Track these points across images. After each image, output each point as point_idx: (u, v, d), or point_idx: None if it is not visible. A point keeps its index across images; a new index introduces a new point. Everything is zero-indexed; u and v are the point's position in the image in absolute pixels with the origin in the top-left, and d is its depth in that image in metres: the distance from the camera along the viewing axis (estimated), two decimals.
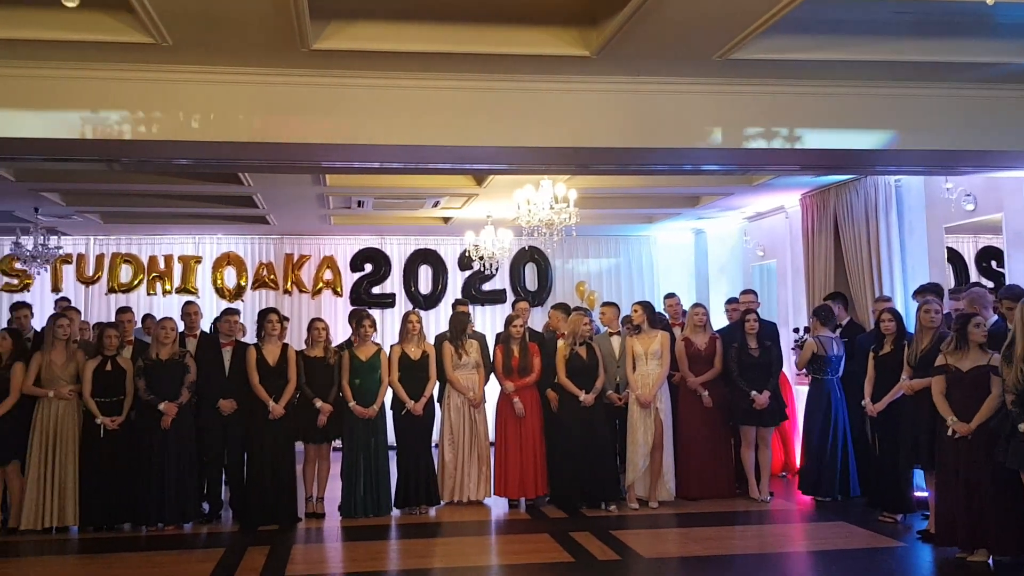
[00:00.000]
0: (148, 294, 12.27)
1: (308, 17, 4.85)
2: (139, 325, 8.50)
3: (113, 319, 8.21)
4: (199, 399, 7.36)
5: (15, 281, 12.00)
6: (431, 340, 8.25)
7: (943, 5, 5.13)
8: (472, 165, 7.18)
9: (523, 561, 6.13)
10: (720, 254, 12.43)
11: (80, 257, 12.26)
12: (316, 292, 12.59)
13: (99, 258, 12.32)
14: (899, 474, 6.96)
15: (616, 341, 8.19)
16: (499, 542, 6.91)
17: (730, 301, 9.04)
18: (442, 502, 7.84)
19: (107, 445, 7.06)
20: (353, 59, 5.54)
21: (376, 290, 12.73)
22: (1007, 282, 7.32)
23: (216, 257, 12.49)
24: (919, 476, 7.00)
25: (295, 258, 12.58)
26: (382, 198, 10.19)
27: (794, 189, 9.71)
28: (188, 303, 8.10)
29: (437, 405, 8.05)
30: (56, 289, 12.08)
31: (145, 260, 12.37)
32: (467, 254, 11.38)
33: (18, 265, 11.40)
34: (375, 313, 9.56)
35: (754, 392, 7.76)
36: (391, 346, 7.95)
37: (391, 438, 7.82)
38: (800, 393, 8.83)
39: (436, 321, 12.13)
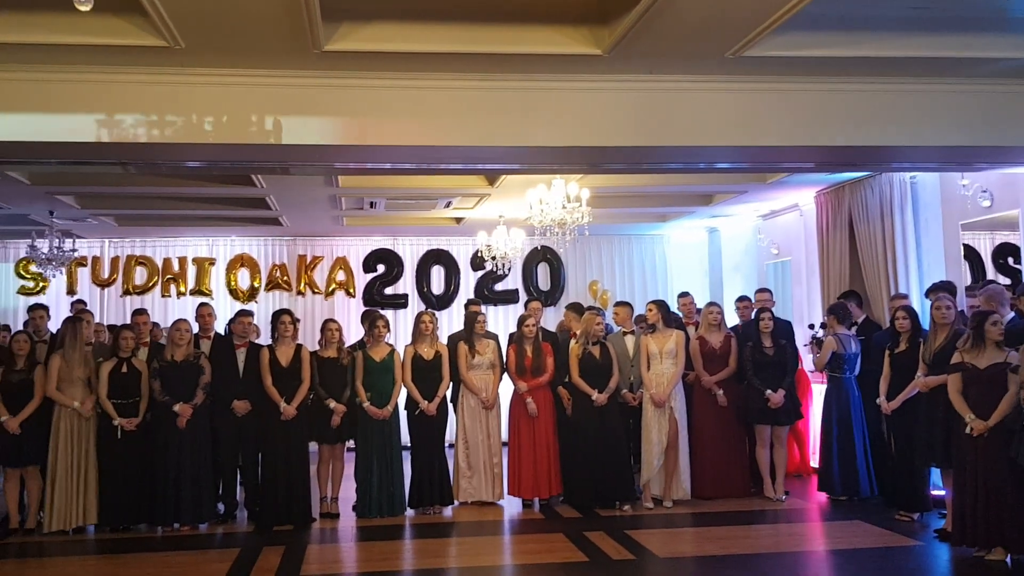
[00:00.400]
0: (163, 296, 12.34)
1: (320, 19, 4.86)
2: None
3: (128, 321, 8.25)
4: (214, 400, 7.38)
5: (31, 284, 12.09)
6: (444, 340, 8.26)
7: (957, 0, 5.10)
8: (484, 165, 7.18)
9: (537, 561, 6.12)
10: (734, 252, 12.39)
11: (95, 260, 12.35)
12: (329, 293, 12.63)
13: (114, 260, 12.40)
14: (915, 472, 6.92)
15: (630, 340, 8.16)
16: (513, 542, 6.90)
17: (741, 299, 9.00)
18: (456, 502, 7.85)
19: (124, 446, 7.10)
20: (365, 60, 5.55)
21: (389, 291, 12.76)
22: None
23: (230, 259, 12.55)
24: (936, 475, 6.96)
25: (308, 259, 12.63)
26: (394, 199, 10.20)
27: (808, 186, 9.66)
28: (202, 305, 8.13)
29: (451, 405, 8.05)
30: (71, 292, 12.16)
31: (159, 262, 12.44)
32: (479, 254, 11.38)
33: (34, 268, 11.50)
34: (388, 314, 9.56)
35: (769, 391, 7.73)
36: (404, 347, 7.95)
37: (405, 438, 7.83)
38: (818, 392, 8.76)
39: (449, 321, 12.14)
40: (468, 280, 12.91)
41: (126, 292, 12.36)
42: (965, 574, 5.72)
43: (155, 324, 9.33)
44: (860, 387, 7.80)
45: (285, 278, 12.57)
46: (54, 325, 8.37)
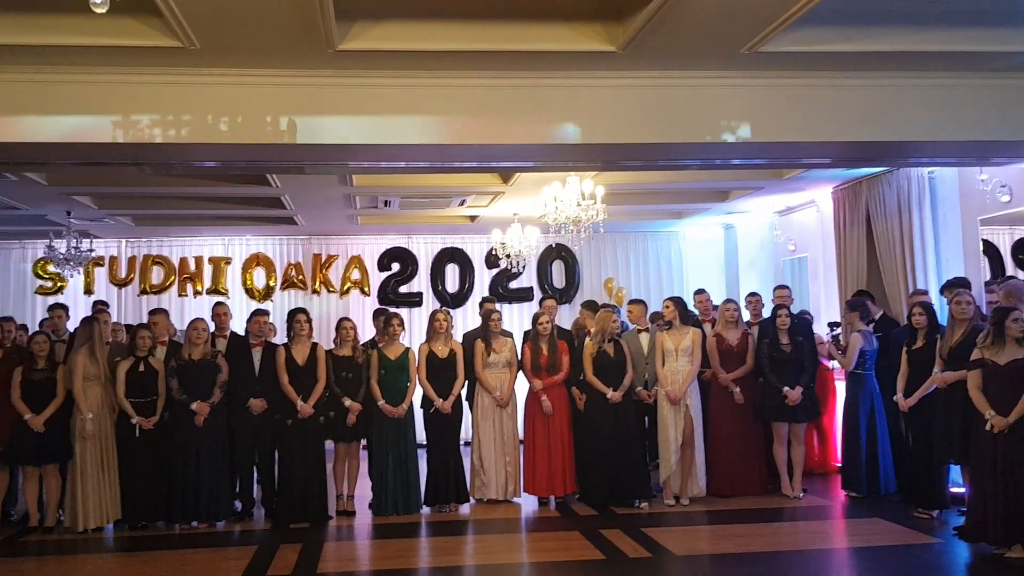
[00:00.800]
0: (179, 295, 12.41)
1: (333, 18, 4.87)
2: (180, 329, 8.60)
3: (145, 320, 8.30)
4: (230, 399, 7.41)
5: (49, 284, 12.18)
6: (458, 339, 8.27)
7: None
8: (498, 163, 7.17)
9: (554, 559, 6.12)
10: (750, 249, 12.34)
11: (112, 259, 12.43)
12: (344, 292, 12.66)
13: (131, 260, 12.48)
14: (934, 469, 6.88)
15: (644, 338, 8.15)
16: (529, 540, 6.89)
17: (751, 295, 8.95)
18: (471, 500, 7.85)
19: (141, 445, 7.15)
20: (379, 59, 5.55)
21: (403, 289, 12.78)
22: None
23: (245, 258, 12.61)
24: (956, 471, 6.91)
25: (323, 258, 12.66)
26: (408, 197, 10.21)
27: (825, 182, 9.61)
28: (218, 304, 8.17)
29: (466, 403, 8.05)
30: (88, 291, 12.25)
31: (176, 262, 12.51)
32: (494, 252, 11.38)
33: (52, 268, 11.58)
34: (402, 312, 9.57)
35: (786, 388, 7.69)
36: (419, 345, 7.96)
37: (420, 436, 7.85)
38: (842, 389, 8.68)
39: (463, 320, 12.15)
40: (483, 278, 12.92)
41: (143, 292, 12.43)
42: (985, 572, 5.68)
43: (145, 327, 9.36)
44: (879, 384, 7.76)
45: (300, 277, 12.61)
46: (72, 324, 8.42)
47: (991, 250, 8.16)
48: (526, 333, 8.28)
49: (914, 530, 6.61)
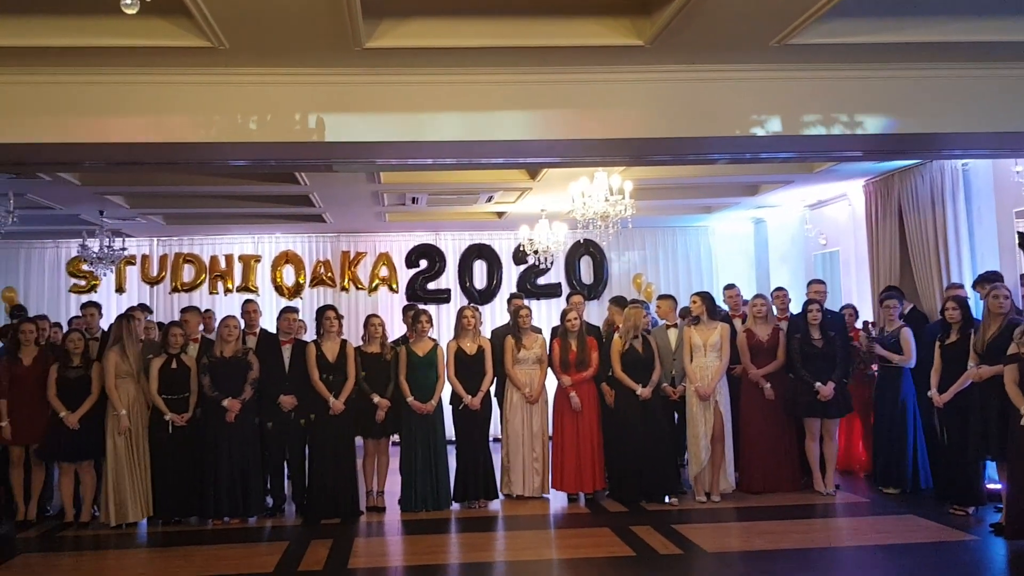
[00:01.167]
0: (210, 293, 12.52)
1: (361, 16, 4.88)
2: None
3: (176, 319, 8.38)
4: (260, 395, 7.47)
5: (83, 282, 12.34)
6: (487, 335, 8.27)
7: None
8: (526, 159, 7.16)
9: (583, 555, 6.11)
10: (781, 243, 12.23)
11: (144, 258, 12.57)
12: (372, 289, 12.72)
13: (162, 259, 12.61)
14: (969, 465, 6.79)
15: (673, 334, 8.10)
16: (559, 536, 6.88)
17: (778, 290, 8.86)
18: (500, 496, 7.86)
19: (174, 441, 7.22)
20: (406, 56, 5.55)
21: (431, 286, 12.81)
22: None
23: (275, 256, 12.69)
24: (992, 468, 6.81)
25: (351, 255, 12.73)
26: (436, 194, 10.23)
27: (857, 176, 9.50)
28: (248, 301, 8.23)
29: (494, 400, 8.06)
30: (120, 289, 12.41)
31: (207, 260, 12.64)
32: (521, 248, 11.37)
33: (85, 267, 11.73)
34: (430, 309, 9.59)
35: (818, 383, 7.61)
36: (447, 342, 7.97)
37: (450, 433, 7.87)
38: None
39: (491, 316, 12.15)
40: (510, 274, 12.91)
41: (174, 290, 12.56)
42: (1022, 569, 5.59)
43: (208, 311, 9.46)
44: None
45: (329, 274, 12.69)
46: (104, 323, 8.53)
47: None
48: (554, 329, 8.27)
49: (949, 527, 6.53)
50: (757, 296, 8.35)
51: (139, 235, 12.30)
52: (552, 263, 11.80)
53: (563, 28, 5.34)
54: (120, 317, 7.61)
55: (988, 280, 7.00)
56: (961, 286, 7.81)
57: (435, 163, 6.89)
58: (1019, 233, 7.92)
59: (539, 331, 8.26)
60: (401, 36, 5.31)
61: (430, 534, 6.90)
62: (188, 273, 12.64)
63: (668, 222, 12.75)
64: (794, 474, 7.97)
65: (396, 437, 7.85)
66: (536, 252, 10.73)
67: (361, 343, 7.82)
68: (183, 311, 8.18)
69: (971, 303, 7.30)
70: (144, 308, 9.34)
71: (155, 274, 12.58)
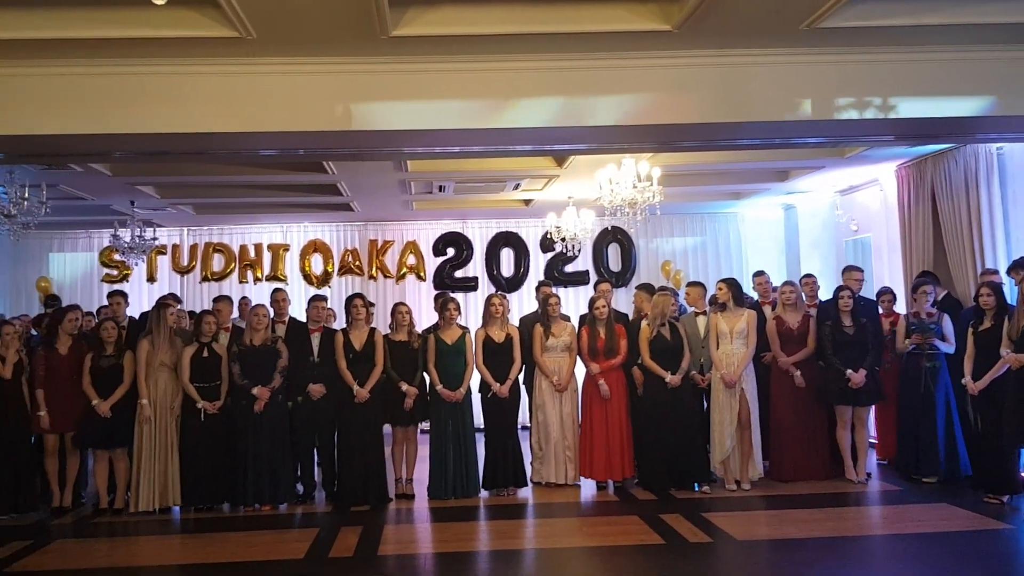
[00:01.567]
0: (240, 282, 12.62)
1: (387, 4, 4.87)
2: (236, 315, 8.73)
3: (207, 307, 8.46)
4: (290, 383, 7.52)
5: (115, 272, 12.49)
6: (514, 323, 8.26)
7: None
8: (554, 146, 7.13)
9: (613, 543, 6.10)
10: (811, 229, 12.10)
11: (175, 247, 12.70)
12: (400, 277, 12.76)
13: (192, 248, 12.74)
14: (1004, 453, 6.70)
15: (702, 321, 8.05)
16: (588, 524, 6.87)
17: (806, 276, 8.77)
18: (529, 484, 7.87)
19: (206, 429, 7.30)
20: (432, 44, 5.55)
21: (459, 274, 12.82)
22: None
23: (303, 245, 12.77)
24: None
25: (379, 244, 12.77)
26: (463, 182, 10.22)
27: (889, 160, 9.37)
28: (277, 290, 8.28)
29: (523, 388, 8.06)
30: (151, 279, 12.55)
31: (236, 249, 12.74)
32: (549, 236, 11.34)
33: (117, 256, 11.86)
34: (458, 297, 9.61)
35: (849, 371, 7.54)
36: (475, 330, 7.98)
37: (478, 420, 7.88)
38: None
39: (519, 304, 12.15)
40: (538, 262, 12.90)
41: (204, 279, 12.68)
42: None
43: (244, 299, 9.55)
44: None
45: (357, 263, 12.74)
46: (131, 312, 8.63)
47: None
48: (582, 317, 8.24)
49: (984, 515, 6.45)
50: (786, 283, 8.27)
51: (169, 225, 12.42)
52: (579, 250, 11.77)
53: (590, 14, 5.31)
54: (154, 306, 7.70)
55: (1022, 265, 6.89)
56: (995, 272, 7.69)
57: (462, 151, 6.89)
58: None
59: (568, 319, 8.24)
60: (427, 24, 5.30)
61: (459, 521, 6.92)
62: (218, 262, 12.75)
63: (697, 208, 12.66)
64: (825, 462, 7.90)
65: (424, 425, 7.88)
66: (563, 239, 10.71)
67: (388, 331, 7.85)
68: (215, 300, 8.25)
69: (1005, 289, 7.18)
70: (174, 298, 9.43)
71: (185, 263, 12.71)
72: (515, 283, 12.79)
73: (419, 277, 12.78)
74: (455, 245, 12.86)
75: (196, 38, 5.32)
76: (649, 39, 5.54)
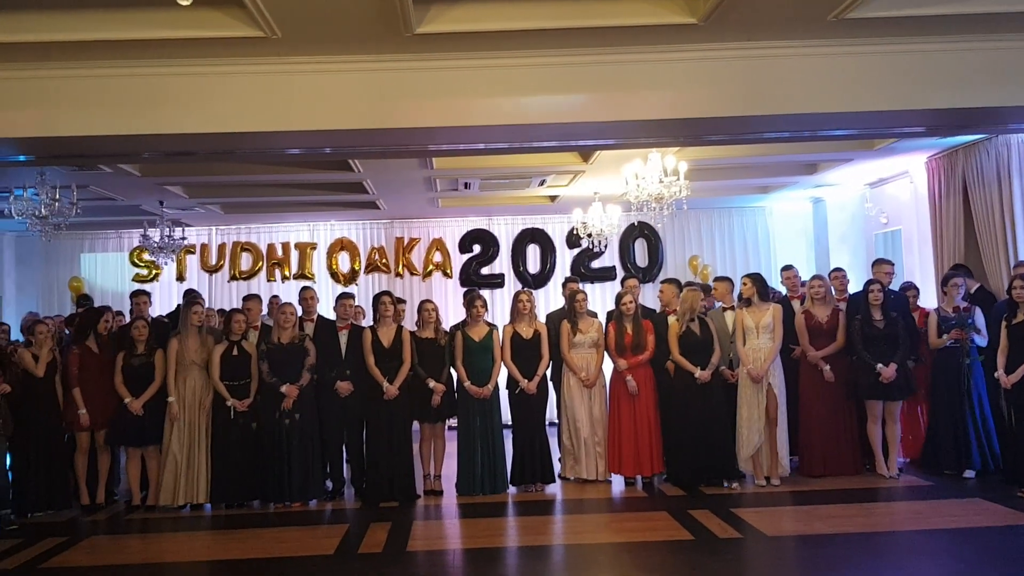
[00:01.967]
0: (268, 280, 12.72)
1: (411, 2, 4.88)
2: (265, 312, 8.79)
3: (236, 306, 8.52)
4: (318, 381, 7.56)
5: (145, 271, 12.63)
6: (542, 319, 8.25)
7: None
8: (579, 142, 7.10)
9: (642, 539, 6.07)
10: (840, 222, 11.99)
11: (203, 247, 12.83)
12: (426, 274, 12.79)
13: (221, 247, 12.85)
14: None
15: (730, 316, 8.00)
16: (617, 520, 6.84)
17: (835, 270, 8.67)
18: (557, 480, 7.86)
19: (236, 426, 7.36)
20: (456, 41, 5.55)
21: (485, 271, 12.84)
22: None
23: (330, 243, 12.84)
24: None
25: (405, 241, 12.82)
26: (488, 179, 10.22)
27: (919, 152, 9.26)
28: (305, 288, 8.32)
29: (550, 384, 8.05)
30: (181, 278, 12.68)
31: (264, 248, 12.84)
32: (575, 232, 11.32)
33: (147, 256, 11.99)
34: (484, 294, 9.62)
35: (880, 365, 7.45)
36: (503, 326, 7.98)
37: (506, 417, 7.89)
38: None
39: (545, 300, 12.14)
40: (564, 258, 12.89)
41: (233, 278, 12.79)
42: None
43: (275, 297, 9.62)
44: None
45: (384, 260, 12.79)
46: (156, 311, 8.72)
47: None
48: (609, 313, 8.22)
49: (1018, 510, 6.35)
50: (815, 277, 8.19)
51: (198, 224, 12.54)
52: (606, 246, 11.73)
53: (615, 8, 5.29)
54: (181, 305, 7.78)
55: None
56: None
57: (487, 147, 6.88)
58: None
59: (594, 315, 8.22)
60: (451, 21, 5.31)
61: (487, 517, 6.93)
62: (246, 261, 12.86)
63: (724, 203, 12.59)
64: (855, 457, 7.82)
65: (452, 421, 7.89)
66: (590, 235, 10.68)
67: (415, 328, 7.87)
68: (246, 299, 8.30)
69: None
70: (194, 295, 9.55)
71: (214, 263, 12.82)
72: (541, 279, 12.78)
73: (445, 274, 12.81)
74: (481, 242, 12.88)
75: (222, 38, 5.36)
76: (674, 32, 5.51)
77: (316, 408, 7.56)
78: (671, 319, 7.78)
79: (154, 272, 12.58)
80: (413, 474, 7.62)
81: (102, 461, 7.68)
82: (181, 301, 9.20)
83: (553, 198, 11.44)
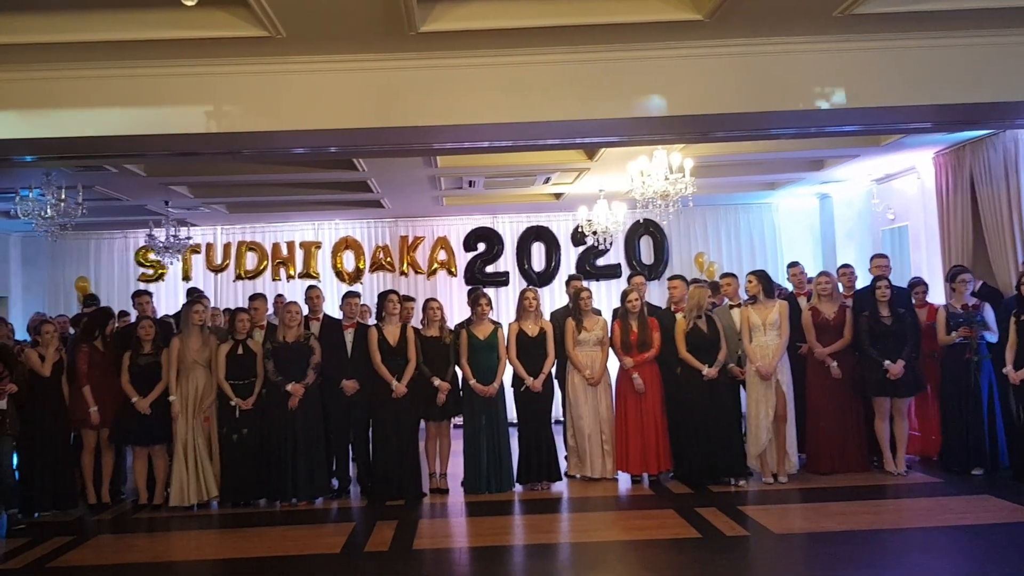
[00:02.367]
0: (273, 280, 12.73)
1: (415, 1, 4.87)
2: (271, 311, 8.79)
3: (242, 305, 8.53)
4: (324, 379, 7.56)
5: (151, 271, 12.65)
6: (545, 317, 8.24)
7: None
8: (584, 139, 7.09)
9: (649, 537, 6.06)
10: (847, 219, 11.96)
11: (208, 246, 12.84)
12: (431, 273, 12.79)
13: (226, 247, 12.87)
14: None
15: (737, 313, 7.97)
16: (624, 518, 6.84)
17: (843, 266, 8.64)
18: (564, 478, 7.85)
19: (242, 425, 7.36)
20: (461, 39, 5.54)
21: (490, 269, 12.83)
22: None
23: (335, 242, 12.84)
24: None
25: (410, 240, 12.82)
26: (493, 177, 10.21)
27: (926, 147, 9.22)
28: (311, 287, 8.32)
29: (556, 382, 8.03)
30: (187, 277, 12.70)
31: (269, 247, 12.85)
32: (580, 229, 11.30)
33: (152, 256, 12.00)
34: (489, 292, 9.60)
35: (887, 362, 7.42)
36: (508, 324, 7.97)
37: (511, 415, 7.87)
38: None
39: (551, 298, 12.12)
40: (569, 256, 12.88)
41: (238, 277, 12.81)
42: None
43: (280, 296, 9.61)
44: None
45: (388, 259, 12.79)
46: (163, 311, 8.72)
47: None
48: (615, 311, 8.20)
49: None
50: (822, 274, 8.15)
51: (203, 224, 12.55)
52: (611, 244, 11.71)
53: (620, 5, 5.27)
54: (184, 306, 7.78)
55: None
56: None
57: (491, 145, 6.87)
58: None
59: (599, 313, 8.20)
60: (455, 19, 5.30)
61: (494, 516, 6.92)
62: (251, 260, 12.87)
63: (730, 199, 12.56)
64: (862, 454, 7.80)
65: (457, 419, 7.88)
66: (595, 233, 10.66)
67: (420, 327, 7.86)
68: (251, 298, 8.29)
69: None
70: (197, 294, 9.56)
71: (219, 262, 12.84)
72: (547, 277, 12.77)
73: (450, 273, 12.81)
74: (486, 240, 12.87)
75: (226, 38, 5.36)
76: (680, 29, 5.49)
77: (322, 406, 7.55)
78: (679, 316, 7.75)
79: (160, 272, 12.60)
80: (419, 472, 7.62)
81: (106, 460, 7.68)
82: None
83: (558, 196, 11.42)
